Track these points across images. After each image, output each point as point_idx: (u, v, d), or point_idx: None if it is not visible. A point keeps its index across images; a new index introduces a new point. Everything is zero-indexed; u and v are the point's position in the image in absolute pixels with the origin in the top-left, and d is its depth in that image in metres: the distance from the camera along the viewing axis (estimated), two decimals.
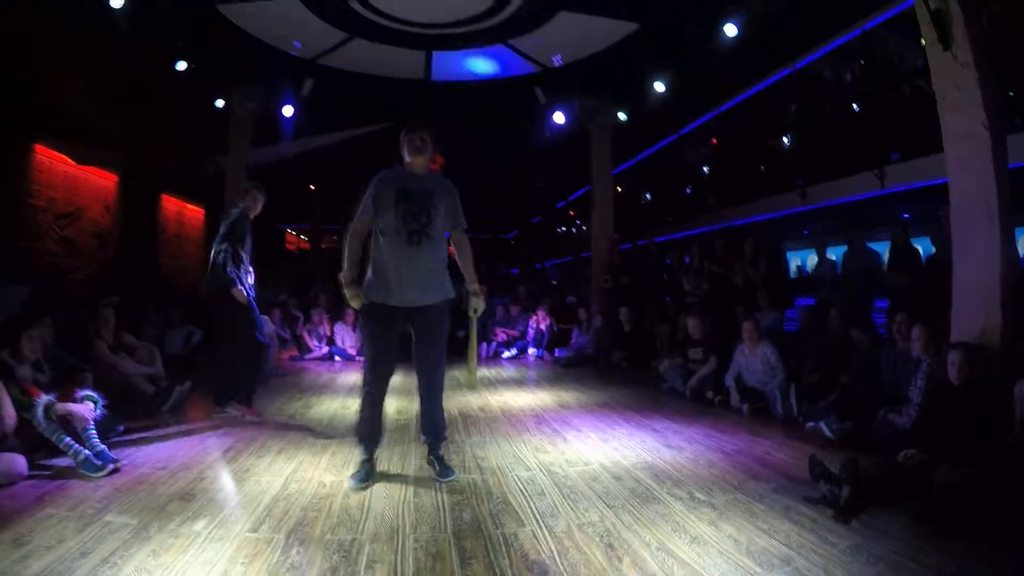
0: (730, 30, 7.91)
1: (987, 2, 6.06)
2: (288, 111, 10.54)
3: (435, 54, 9.83)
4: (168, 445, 4.86)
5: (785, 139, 11.05)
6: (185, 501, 3.66)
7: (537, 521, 3.42)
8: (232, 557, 2.95)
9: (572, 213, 22.52)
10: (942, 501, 3.25)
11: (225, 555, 2.97)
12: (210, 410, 5.82)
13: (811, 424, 5.21)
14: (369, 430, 4.18)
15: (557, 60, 10.03)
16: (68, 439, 4.13)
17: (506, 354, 10.81)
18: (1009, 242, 4.63)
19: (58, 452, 4.16)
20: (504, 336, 11.13)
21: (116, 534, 3.16)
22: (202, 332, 8.09)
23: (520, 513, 3.54)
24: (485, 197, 20.76)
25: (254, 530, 3.27)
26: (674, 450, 4.80)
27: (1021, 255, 5.17)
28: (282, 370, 8.62)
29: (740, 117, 12.44)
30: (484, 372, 9.12)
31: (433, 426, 4.28)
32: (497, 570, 2.85)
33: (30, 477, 3.94)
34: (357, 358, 10.10)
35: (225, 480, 4.15)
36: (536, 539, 3.18)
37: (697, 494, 3.80)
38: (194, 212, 14.80)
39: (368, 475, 4.05)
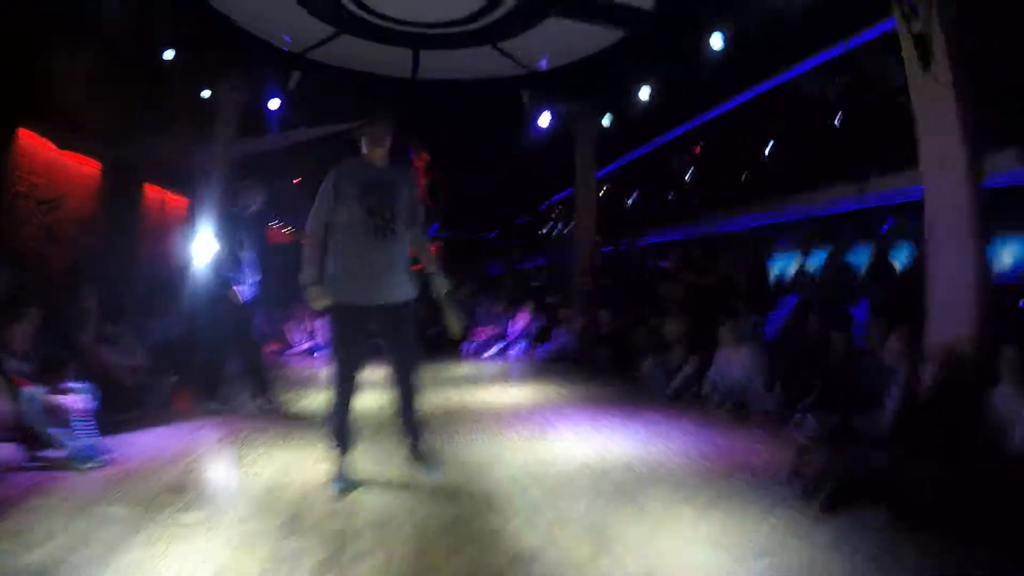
0: (716, 42, 8.05)
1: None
2: (274, 104, 10.51)
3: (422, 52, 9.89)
4: (158, 436, 4.92)
5: (767, 150, 11.23)
6: (177, 492, 3.72)
7: (522, 516, 3.51)
8: (225, 547, 3.03)
9: (555, 215, 22.63)
10: (918, 497, 3.39)
11: (219, 545, 3.04)
12: (199, 406, 5.92)
13: (790, 424, 5.33)
14: (342, 431, 4.06)
15: (543, 64, 10.13)
16: (57, 431, 4.15)
17: (489, 352, 10.88)
18: (981, 258, 4.79)
19: (48, 444, 4.16)
20: (486, 334, 11.20)
21: (109, 525, 3.22)
22: (186, 323, 8.07)
23: (505, 508, 3.63)
24: (468, 196, 20.84)
25: (247, 521, 3.35)
26: (656, 447, 4.90)
27: (1001, 265, 5.35)
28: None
29: (723, 126, 12.64)
30: (467, 370, 9.20)
31: (412, 425, 4.26)
32: (484, 563, 2.95)
33: (20, 469, 3.97)
34: None
35: (216, 471, 4.22)
36: (520, 534, 3.27)
37: (679, 491, 3.90)
38: (177, 202, 14.68)
39: (349, 481, 3.95)
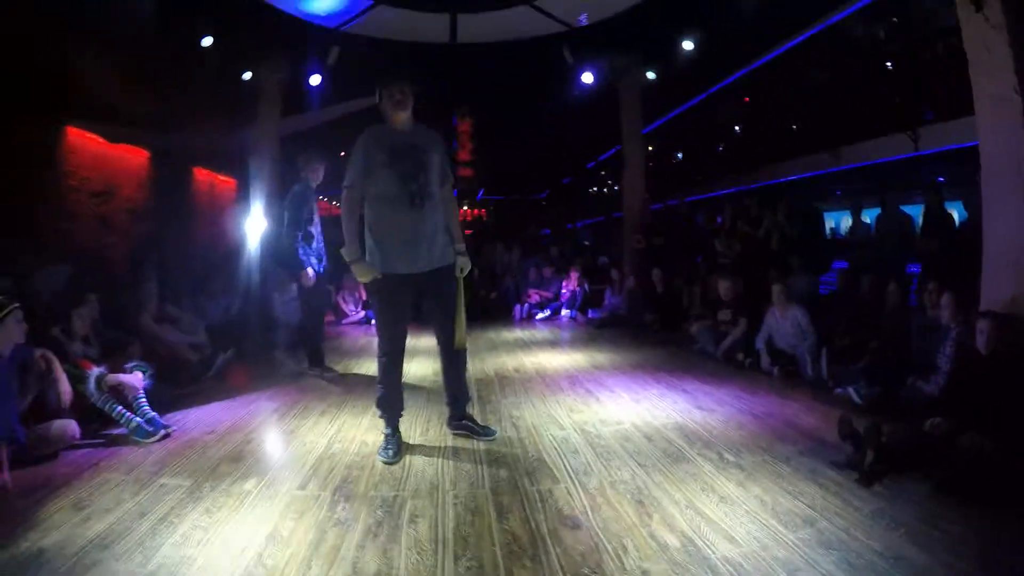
0: None
1: None
2: (315, 80, 10.58)
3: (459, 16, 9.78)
4: (215, 410, 5.08)
5: (817, 97, 10.81)
6: (235, 462, 3.86)
7: (571, 478, 3.54)
8: (282, 513, 3.13)
9: (603, 173, 22.36)
10: (966, 470, 3.26)
11: (275, 512, 3.15)
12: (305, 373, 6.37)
13: (840, 389, 5.21)
14: (390, 399, 4.10)
15: (583, 20, 9.90)
16: (120, 408, 4.34)
17: (540, 315, 10.88)
18: None
19: (111, 422, 4.36)
20: (537, 298, 11.19)
21: (171, 495, 3.36)
22: (241, 301, 8.30)
23: (554, 470, 3.67)
24: (516, 158, 20.71)
25: (301, 488, 3.45)
26: (704, 411, 4.87)
27: None
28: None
29: (773, 75, 12.20)
30: (519, 333, 9.24)
31: (459, 390, 4.32)
32: (532, 524, 2.98)
33: (86, 446, 4.14)
34: None
35: (272, 441, 4.35)
36: (570, 495, 3.30)
37: (726, 455, 3.87)
38: (226, 183, 15.02)
39: (397, 449, 3.97)
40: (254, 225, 8.99)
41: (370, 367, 6.72)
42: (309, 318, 6.52)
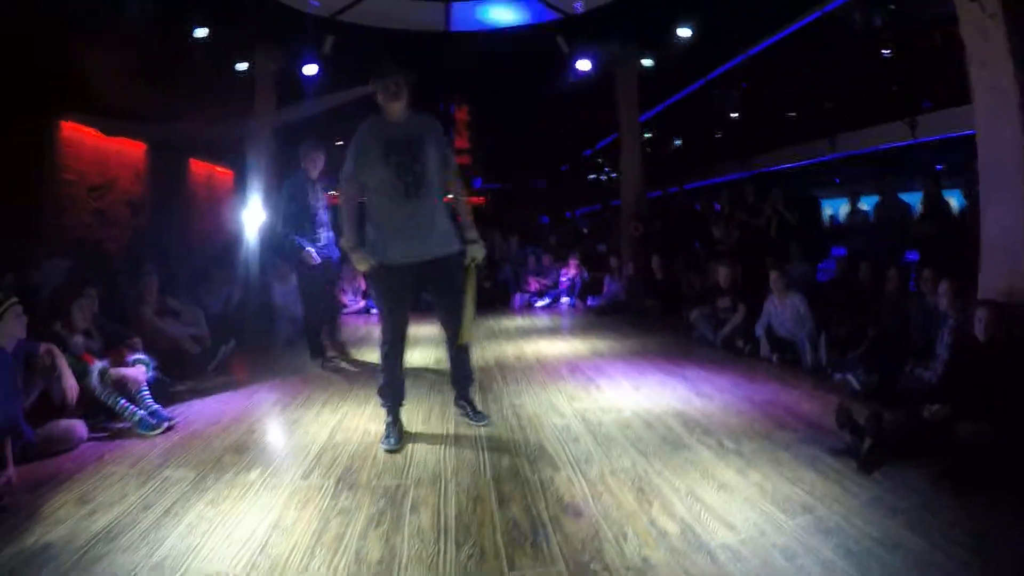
0: None
1: None
2: (310, 70, 10.53)
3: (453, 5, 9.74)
4: (218, 401, 5.11)
5: (814, 85, 10.80)
6: (239, 453, 3.88)
7: (572, 466, 3.56)
8: (286, 503, 3.15)
9: (600, 161, 22.33)
10: (965, 457, 3.29)
11: (279, 501, 3.17)
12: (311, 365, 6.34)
13: (839, 376, 5.24)
14: (392, 387, 4.13)
15: (578, 7, 9.86)
16: (123, 401, 4.35)
17: (539, 303, 10.91)
18: None
19: (114, 415, 4.37)
20: (537, 285, 11.21)
21: (176, 487, 3.38)
22: (241, 291, 8.31)
23: (555, 458, 3.69)
24: (513, 146, 20.67)
25: (305, 477, 3.48)
26: (704, 398, 4.90)
27: None
28: None
29: (769, 62, 12.17)
30: (519, 321, 9.27)
31: (462, 377, 4.41)
32: (534, 512, 3.01)
33: (90, 440, 4.15)
34: None
35: (275, 432, 4.38)
36: (571, 483, 3.33)
37: (726, 442, 3.89)
38: (223, 174, 15.00)
39: (399, 438, 4.00)
40: (252, 216, 8.99)
41: (371, 356, 6.72)
42: (307, 307, 6.55)
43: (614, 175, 17.87)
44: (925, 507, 2.97)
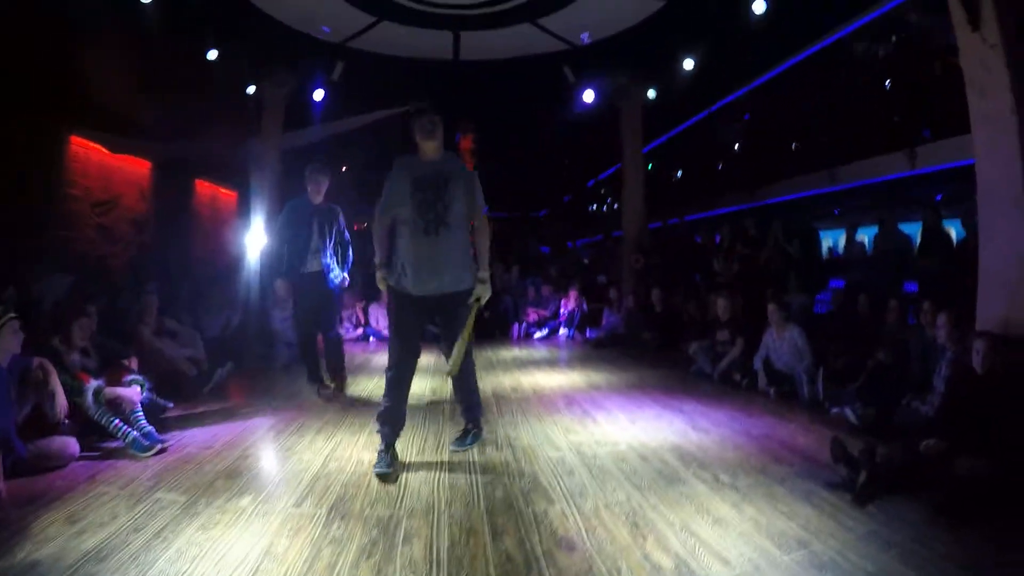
0: (758, 6, 7.81)
1: None
2: (319, 95, 10.65)
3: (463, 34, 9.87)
4: (212, 425, 5.09)
5: (816, 117, 10.91)
6: (231, 478, 3.86)
7: (566, 499, 3.54)
8: (277, 531, 3.13)
9: (603, 191, 22.43)
10: (960, 491, 3.28)
11: (271, 529, 3.15)
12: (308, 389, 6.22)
13: (836, 409, 5.23)
14: (391, 415, 4.14)
15: (585, 38, 10.00)
16: (117, 421, 4.34)
17: (538, 334, 10.92)
18: None
19: (108, 435, 4.36)
20: (535, 316, 11.22)
21: (166, 510, 3.35)
22: (241, 315, 8.33)
23: (550, 491, 3.67)
24: (516, 175, 20.77)
25: (297, 505, 3.46)
26: (701, 432, 4.88)
27: None
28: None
29: (771, 94, 12.31)
30: (516, 352, 9.26)
31: (468, 407, 4.50)
32: (528, 545, 2.98)
33: (82, 458, 4.14)
34: None
35: (268, 458, 4.36)
36: (565, 516, 3.30)
37: (721, 476, 3.88)
38: (228, 196, 15.08)
39: (392, 461, 4.05)
40: (255, 239, 9.03)
41: (367, 385, 6.74)
42: (297, 330, 6.46)
43: (616, 206, 17.93)
44: (920, 541, 2.96)
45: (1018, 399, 3.71)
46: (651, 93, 11.49)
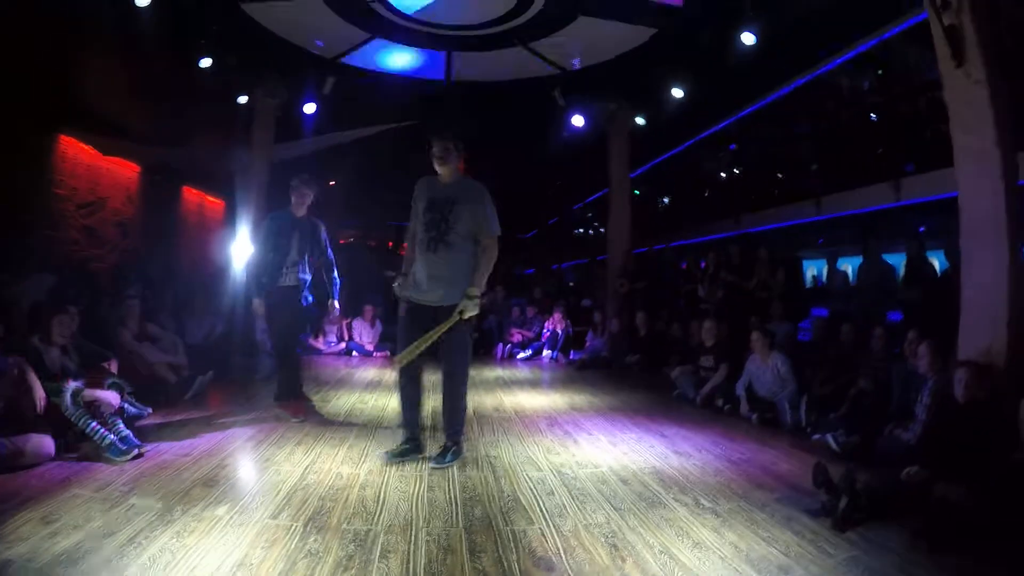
0: (748, 38, 7.95)
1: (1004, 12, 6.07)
2: (310, 108, 10.66)
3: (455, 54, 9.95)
4: (191, 432, 5.03)
5: (802, 148, 11.09)
6: (208, 487, 3.81)
7: (545, 520, 3.52)
8: (252, 542, 3.08)
9: (590, 215, 22.57)
10: (940, 518, 3.31)
11: (246, 540, 3.10)
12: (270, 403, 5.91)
13: (818, 436, 5.27)
14: (404, 416, 4.61)
15: (576, 64, 10.11)
16: (94, 424, 4.27)
17: (521, 355, 10.91)
18: (1017, 260, 4.65)
19: (85, 437, 4.28)
20: (520, 337, 11.22)
21: (141, 516, 3.30)
22: (225, 324, 8.27)
23: (529, 511, 3.64)
24: (503, 196, 20.88)
25: (274, 517, 3.41)
26: (682, 456, 4.88)
27: None
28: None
29: (758, 124, 12.49)
30: (499, 372, 9.24)
31: (448, 423, 4.59)
32: (505, 564, 2.96)
33: (58, 459, 4.08)
34: (375, 354, 10.29)
35: (246, 468, 4.30)
36: (544, 537, 3.28)
37: (702, 500, 3.88)
38: (215, 204, 15.02)
39: (403, 453, 4.47)
40: (240, 249, 8.98)
41: (348, 399, 6.70)
42: (274, 344, 6.14)
43: (602, 230, 18.04)
44: (900, 567, 2.98)
45: (998, 428, 3.76)
46: (640, 120, 11.59)
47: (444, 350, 4.46)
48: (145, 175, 11.13)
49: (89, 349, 5.37)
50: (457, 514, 3.57)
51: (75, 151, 9.20)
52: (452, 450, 4.51)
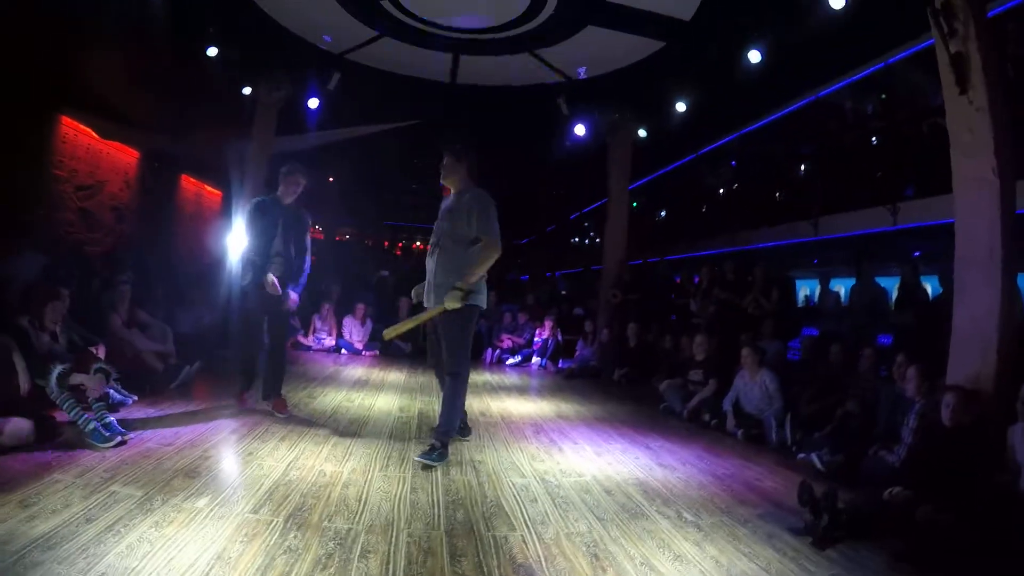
0: (754, 56, 7.99)
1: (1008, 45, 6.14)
2: (313, 103, 10.66)
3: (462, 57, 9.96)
4: (175, 422, 4.99)
5: (802, 167, 11.13)
6: (189, 478, 3.78)
7: (527, 526, 3.51)
8: (232, 535, 3.05)
9: (586, 225, 22.62)
10: (923, 539, 3.32)
11: (225, 532, 3.07)
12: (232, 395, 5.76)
13: (803, 455, 5.28)
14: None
15: (581, 73, 10.13)
16: (78, 408, 4.24)
17: (510, 361, 10.90)
18: (1011, 289, 4.68)
19: (69, 421, 4.25)
20: (510, 343, 11.22)
21: (121, 504, 3.27)
22: (217, 314, 8.23)
23: (512, 517, 3.63)
24: (502, 201, 20.89)
25: (254, 511, 3.38)
26: (666, 469, 4.88)
27: None
28: (288, 358, 8.65)
29: (760, 142, 12.54)
30: (487, 377, 9.22)
31: (438, 421, 4.75)
32: (485, 569, 2.95)
33: (39, 443, 4.03)
34: (364, 353, 10.26)
35: (229, 461, 4.27)
36: (525, 543, 3.27)
37: (685, 514, 3.87)
38: (212, 195, 14.99)
39: (431, 454, 4.49)
40: (236, 240, 8.95)
41: (335, 397, 6.67)
42: (243, 335, 5.99)
43: (597, 240, 18.08)
44: None
45: (983, 453, 3.78)
46: (642, 132, 11.63)
47: (441, 341, 4.76)
48: (144, 161, 11.10)
49: (77, 332, 5.34)
50: (439, 517, 3.55)
51: (75, 133, 9.17)
52: (438, 451, 4.51)
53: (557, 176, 16.99)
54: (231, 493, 3.63)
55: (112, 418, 4.36)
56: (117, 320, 6.25)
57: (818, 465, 4.97)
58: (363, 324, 10.58)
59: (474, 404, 6.90)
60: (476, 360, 10.68)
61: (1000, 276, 4.64)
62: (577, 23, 8.43)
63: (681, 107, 10.01)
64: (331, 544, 3.07)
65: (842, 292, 9.36)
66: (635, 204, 15.48)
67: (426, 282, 4.82)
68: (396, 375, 8.54)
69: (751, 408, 6.32)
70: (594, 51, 9.27)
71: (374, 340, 10.47)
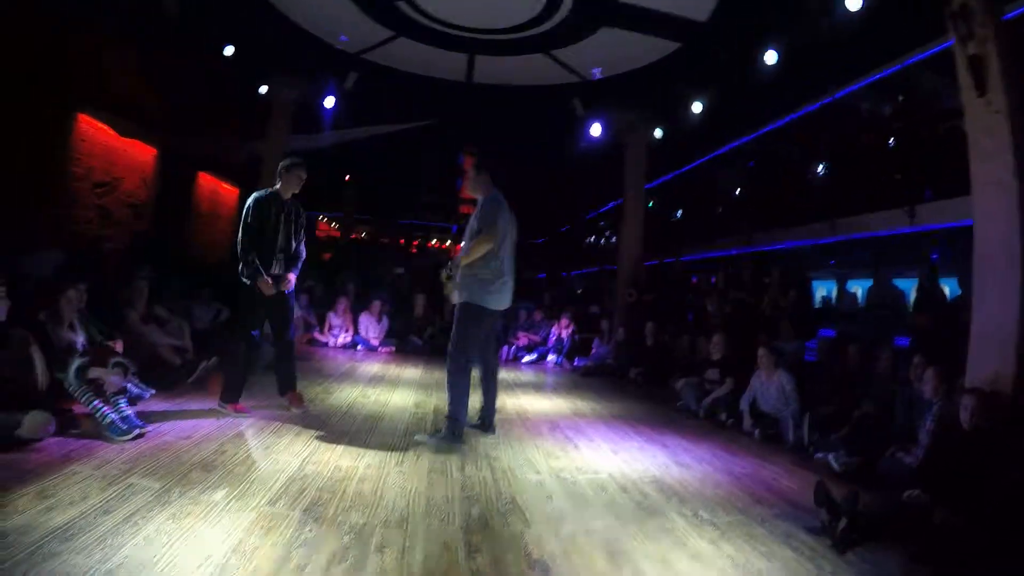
0: (771, 57, 7.93)
1: None
2: (329, 102, 10.70)
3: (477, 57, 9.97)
4: (192, 416, 5.02)
5: (819, 168, 11.05)
6: (207, 471, 3.80)
7: (544, 523, 3.50)
8: (248, 528, 3.07)
9: (602, 224, 22.58)
10: (940, 542, 3.29)
11: (242, 525, 3.09)
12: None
13: (820, 455, 5.24)
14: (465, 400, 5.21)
15: (596, 73, 10.11)
16: (97, 402, 4.27)
17: (526, 358, 10.89)
18: None
19: (88, 414, 4.29)
20: (526, 340, 11.20)
21: (139, 495, 3.29)
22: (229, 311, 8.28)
23: (527, 514, 3.62)
24: (518, 201, 20.92)
25: (271, 504, 3.40)
26: (683, 467, 4.85)
27: None
28: (305, 354, 8.70)
29: (777, 143, 12.46)
30: (503, 374, 9.14)
31: (487, 404, 5.48)
32: (501, 565, 2.94)
33: (58, 435, 4.07)
34: (380, 349, 10.28)
35: (245, 455, 4.28)
36: (541, 540, 3.26)
37: (701, 512, 3.85)
38: (228, 192, 15.08)
39: (447, 436, 4.92)
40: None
41: (351, 393, 6.68)
42: (234, 336, 5.73)
43: (613, 240, 18.03)
44: None
45: (1000, 455, 3.73)
46: (658, 132, 11.60)
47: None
48: (161, 159, 11.18)
49: (96, 327, 5.38)
50: (455, 512, 3.55)
51: (94, 130, 9.26)
52: (439, 435, 4.95)
53: (573, 176, 16.96)
54: (248, 486, 3.65)
55: (130, 411, 4.40)
56: (134, 315, 6.30)
57: (834, 466, 4.93)
58: (379, 321, 10.60)
59: None
60: None
61: (1019, 278, 4.59)
62: (592, 24, 8.42)
63: (697, 108, 9.97)
64: (347, 538, 3.08)
65: (859, 293, 9.27)
66: (651, 204, 15.43)
67: None
68: (412, 371, 8.55)
69: (768, 408, 6.27)
70: (609, 52, 9.26)
71: (390, 336, 10.49)
